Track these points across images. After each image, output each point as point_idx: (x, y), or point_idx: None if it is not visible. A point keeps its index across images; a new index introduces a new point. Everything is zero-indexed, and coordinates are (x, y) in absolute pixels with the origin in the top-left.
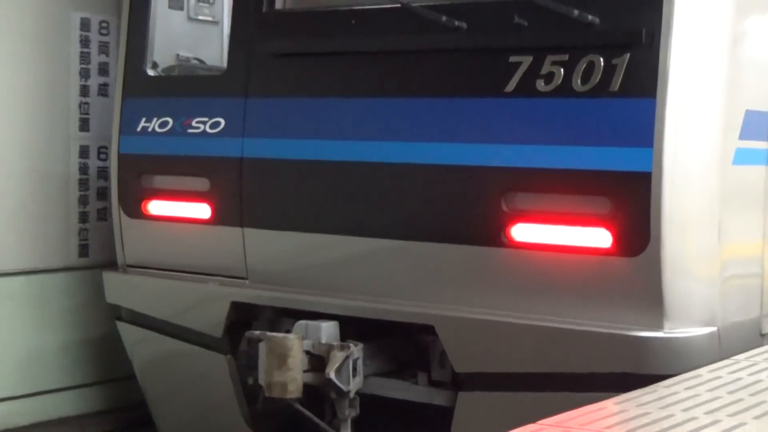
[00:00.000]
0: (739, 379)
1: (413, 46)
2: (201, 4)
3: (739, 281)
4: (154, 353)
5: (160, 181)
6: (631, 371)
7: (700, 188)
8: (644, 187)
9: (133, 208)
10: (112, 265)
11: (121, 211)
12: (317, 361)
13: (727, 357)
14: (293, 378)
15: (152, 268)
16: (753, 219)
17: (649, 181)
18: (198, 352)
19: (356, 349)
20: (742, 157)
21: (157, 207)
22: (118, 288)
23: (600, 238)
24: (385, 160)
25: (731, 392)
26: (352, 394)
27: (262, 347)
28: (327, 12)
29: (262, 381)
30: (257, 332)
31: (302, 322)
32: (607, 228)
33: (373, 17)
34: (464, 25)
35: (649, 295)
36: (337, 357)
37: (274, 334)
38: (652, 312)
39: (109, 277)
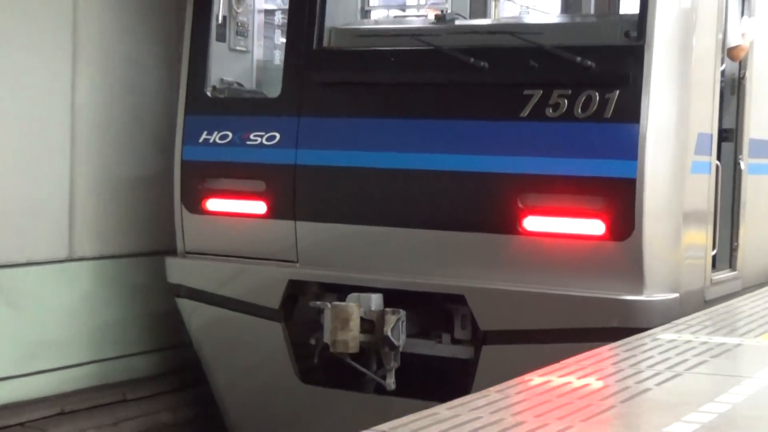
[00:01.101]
0: (569, 383)
1: (448, 80)
2: (238, 37)
3: (692, 261)
4: (211, 323)
5: (219, 182)
6: (619, 326)
7: (669, 191)
8: (630, 189)
9: (194, 205)
10: (164, 252)
11: (183, 208)
12: (368, 325)
13: (686, 315)
14: (353, 337)
15: (210, 254)
16: (702, 215)
17: (634, 185)
18: (255, 321)
19: (402, 314)
20: (696, 168)
21: (215, 204)
22: (180, 270)
23: (596, 227)
24: (423, 168)
25: (559, 396)
26: (401, 349)
27: (328, 313)
28: (370, 51)
29: (327, 340)
30: (319, 302)
31: (354, 294)
32: (602, 219)
33: (411, 56)
34: (487, 65)
35: (633, 270)
36: (391, 319)
37: (338, 302)
38: (635, 282)
39: (171, 262)
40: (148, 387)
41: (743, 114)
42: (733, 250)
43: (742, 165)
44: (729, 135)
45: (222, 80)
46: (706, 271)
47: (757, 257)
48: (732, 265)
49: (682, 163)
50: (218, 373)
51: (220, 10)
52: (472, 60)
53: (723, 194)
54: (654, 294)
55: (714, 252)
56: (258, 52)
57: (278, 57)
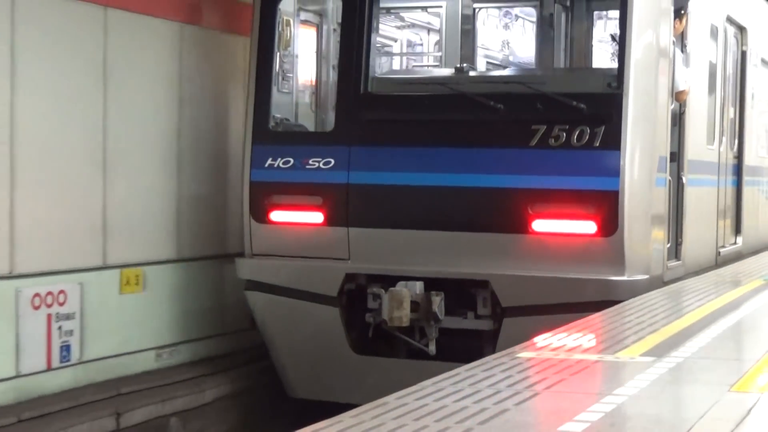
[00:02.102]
0: (426, 405)
1: (472, 117)
2: (283, 81)
3: (657, 252)
4: (277, 309)
5: (283, 198)
6: (607, 299)
7: (642, 199)
8: (614, 199)
9: (261, 216)
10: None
11: (251, 218)
12: (414, 305)
13: (653, 290)
14: (406, 314)
15: (273, 255)
16: (662, 218)
17: (617, 195)
18: (315, 306)
19: (443, 296)
20: (658, 182)
21: (279, 215)
22: (249, 268)
23: (589, 227)
24: (451, 184)
25: (416, 419)
26: (442, 323)
27: (386, 296)
28: (407, 96)
29: (385, 317)
30: (375, 289)
31: (402, 282)
32: (593, 221)
33: (441, 99)
34: (502, 106)
35: (617, 258)
36: (437, 300)
37: (393, 288)
38: (618, 267)
39: (241, 262)
40: (225, 362)
41: (683, 141)
42: (678, 245)
43: (684, 180)
44: (674, 157)
45: (275, 117)
46: (664, 260)
47: (694, 250)
48: (678, 256)
49: (650, 179)
50: (282, 349)
51: (277, 59)
52: (492, 103)
53: (672, 202)
54: (632, 276)
55: (668, 245)
56: (295, 94)
57: (307, 96)
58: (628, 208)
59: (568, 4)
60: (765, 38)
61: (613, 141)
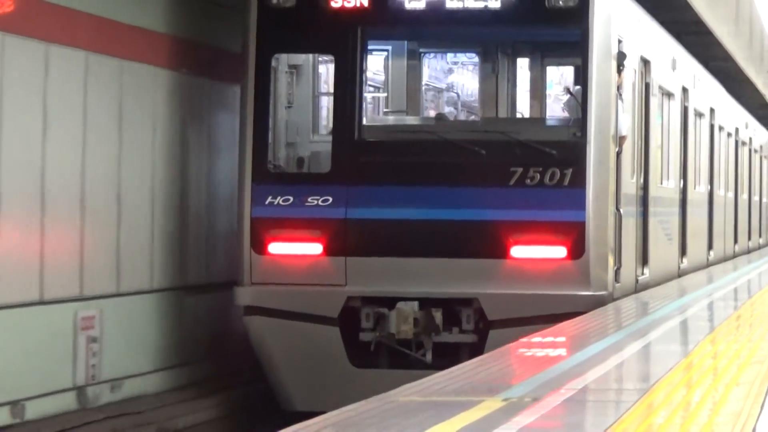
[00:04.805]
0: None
1: (456, 160)
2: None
3: (611, 273)
4: (277, 331)
5: (283, 232)
6: (576, 310)
7: (603, 229)
8: (581, 228)
9: (260, 248)
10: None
11: (252, 250)
12: (414, 321)
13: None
14: (410, 327)
15: (272, 283)
16: (613, 245)
17: (584, 225)
18: (316, 327)
19: (441, 312)
20: (612, 215)
21: (278, 247)
22: (250, 295)
23: (560, 251)
24: (439, 218)
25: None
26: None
27: (392, 313)
28: (398, 141)
29: (393, 331)
30: (379, 309)
31: (402, 302)
32: (564, 246)
33: (430, 146)
34: (484, 151)
35: (584, 277)
36: (437, 315)
37: (400, 306)
38: (585, 284)
39: (240, 289)
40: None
41: (619, 178)
42: (645, 261)
43: (621, 211)
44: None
45: (269, 160)
46: (614, 280)
47: (625, 275)
48: (644, 271)
49: (607, 211)
50: (282, 366)
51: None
52: (476, 148)
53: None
54: (596, 291)
55: (616, 268)
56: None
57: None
58: (593, 236)
59: (510, 53)
60: (665, 68)
61: (579, 181)
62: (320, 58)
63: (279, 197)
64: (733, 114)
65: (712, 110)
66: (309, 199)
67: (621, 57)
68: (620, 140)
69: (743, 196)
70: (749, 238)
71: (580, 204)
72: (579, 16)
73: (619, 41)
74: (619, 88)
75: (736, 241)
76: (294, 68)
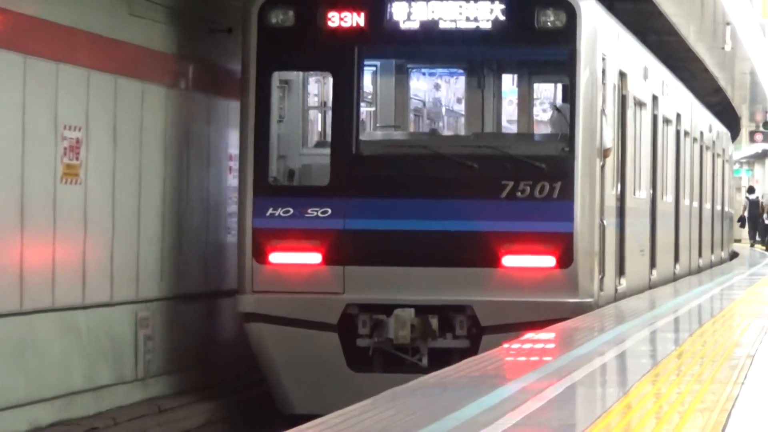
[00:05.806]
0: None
1: (451, 174)
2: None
3: (596, 281)
4: (278, 337)
5: (283, 242)
6: (565, 316)
7: (589, 239)
8: (569, 239)
9: (261, 258)
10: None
11: (253, 260)
12: (411, 327)
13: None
14: (408, 332)
15: (272, 292)
16: (597, 254)
17: (572, 236)
18: (316, 333)
19: (437, 318)
20: (597, 226)
21: (278, 256)
22: (252, 303)
23: (550, 261)
24: (434, 228)
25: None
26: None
27: (391, 320)
28: (396, 155)
29: (391, 336)
30: (376, 315)
31: (400, 309)
32: (553, 256)
33: (426, 160)
34: (476, 165)
35: (572, 285)
36: (435, 322)
37: (398, 312)
38: (573, 292)
39: (242, 297)
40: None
41: (603, 190)
42: (622, 271)
43: (605, 222)
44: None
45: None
46: (599, 288)
47: (632, 275)
48: (602, 287)
49: (594, 223)
50: (282, 370)
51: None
52: (468, 163)
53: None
54: (583, 299)
55: (600, 277)
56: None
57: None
58: (580, 246)
59: (497, 70)
60: (638, 79)
61: (568, 193)
62: (310, 74)
63: (280, 209)
64: (697, 117)
65: (678, 116)
66: (309, 211)
67: (604, 74)
68: (604, 153)
69: (706, 206)
70: (712, 252)
71: (569, 216)
72: (567, 36)
73: (603, 59)
74: (602, 102)
75: (700, 255)
76: (285, 83)
